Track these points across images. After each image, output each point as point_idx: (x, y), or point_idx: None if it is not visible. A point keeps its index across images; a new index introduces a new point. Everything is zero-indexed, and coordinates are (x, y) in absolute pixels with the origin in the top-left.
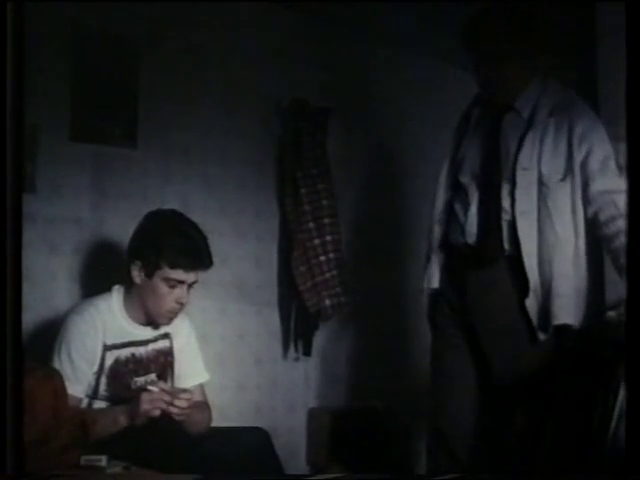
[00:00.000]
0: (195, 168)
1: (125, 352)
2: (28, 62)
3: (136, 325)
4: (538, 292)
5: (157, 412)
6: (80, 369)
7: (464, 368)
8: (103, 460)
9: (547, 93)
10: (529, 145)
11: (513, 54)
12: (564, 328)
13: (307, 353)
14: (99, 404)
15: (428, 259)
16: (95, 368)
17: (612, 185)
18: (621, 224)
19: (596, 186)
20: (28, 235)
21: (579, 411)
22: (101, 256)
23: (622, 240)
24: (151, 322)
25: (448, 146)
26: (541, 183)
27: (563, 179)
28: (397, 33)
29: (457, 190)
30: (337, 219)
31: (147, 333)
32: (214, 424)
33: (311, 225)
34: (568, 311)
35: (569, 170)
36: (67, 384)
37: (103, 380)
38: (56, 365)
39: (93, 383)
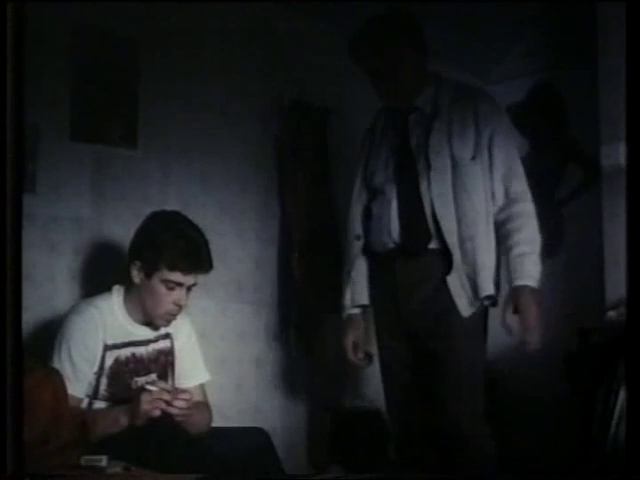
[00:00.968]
0: (195, 168)
1: (125, 352)
2: (28, 62)
3: (137, 325)
4: (460, 268)
5: (157, 412)
6: (80, 369)
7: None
8: (103, 460)
9: (444, 87)
10: (437, 131)
11: (404, 60)
12: (490, 298)
13: (307, 353)
14: (99, 404)
15: (349, 275)
16: (95, 368)
17: (512, 172)
18: (518, 209)
19: (498, 170)
20: (28, 235)
21: (580, 411)
22: (101, 256)
23: (518, 223)
24: (150, 323)
25: (357, 165)
26: (454, 164)
27: (474, 158)
28: None
29: (374, 195)
30: (336, 220)
31: (148, 333)
32: (214, 424)
33: (311, 224)
34: (491, 283)
35: (478, 149)
36: (67, 384)
37: (103, 380)
38: (56, 365)
39: (93, 383)
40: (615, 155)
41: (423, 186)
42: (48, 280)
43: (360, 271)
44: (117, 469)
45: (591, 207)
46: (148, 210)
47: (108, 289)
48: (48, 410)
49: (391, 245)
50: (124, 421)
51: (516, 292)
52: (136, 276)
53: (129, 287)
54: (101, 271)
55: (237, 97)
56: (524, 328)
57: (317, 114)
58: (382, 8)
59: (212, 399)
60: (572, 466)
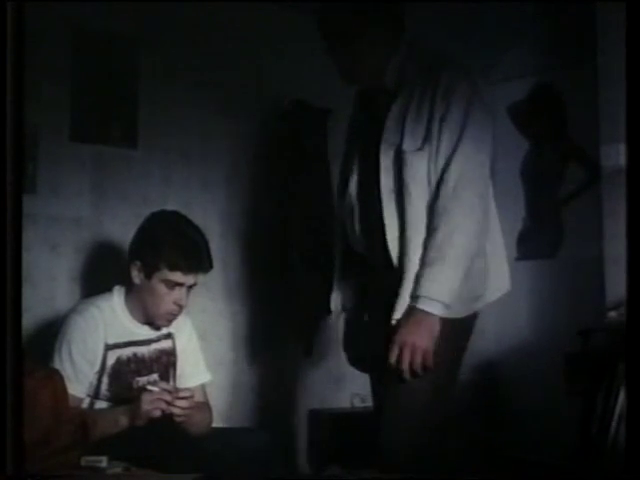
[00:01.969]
0: (195, 169)
1: (127, 352)
2: (28, 62)
3: (138, 325)
4: (400, 265)
5: (158, 412)
6: (81, 369)
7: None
8: (104, 461)
9: (412, 57)
10: (394, 117)
11: (367, 33)
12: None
13: (308, 354)
14: (100, 404)
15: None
16: (96, 368)
17: (453, 161)
18: (441, 204)
19: (444, 152)
20: (28, 235)
21: (580, 411)
22: (101, 256)
23: (434, 223)
24: (150, 323)
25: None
26: (399, 156)
27: (421, 148)
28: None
29: (343, 197)
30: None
31: (149, 333)
32: (214, 425)
33: (311, 225)
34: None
35: (428, 135)
36: (68, 384)
37: (105, 380)
38: (57, 365)
39: (94, 383)
40: (615, 155)
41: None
42: (48, 280)
43: (343, 275)
44: (117, 470)
45: (591, 207)
46: (148, 210)
47: (109, 289)
48: (48, 410)
49: (359, 252)
50: (125, 421)
51: (406, 314)
52: (136, 276)
53: (130, 287)
54: (102, 271)
55: (237, 97)
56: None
57: (316, 114)
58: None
59: (212, 400)
60: (572, 466)
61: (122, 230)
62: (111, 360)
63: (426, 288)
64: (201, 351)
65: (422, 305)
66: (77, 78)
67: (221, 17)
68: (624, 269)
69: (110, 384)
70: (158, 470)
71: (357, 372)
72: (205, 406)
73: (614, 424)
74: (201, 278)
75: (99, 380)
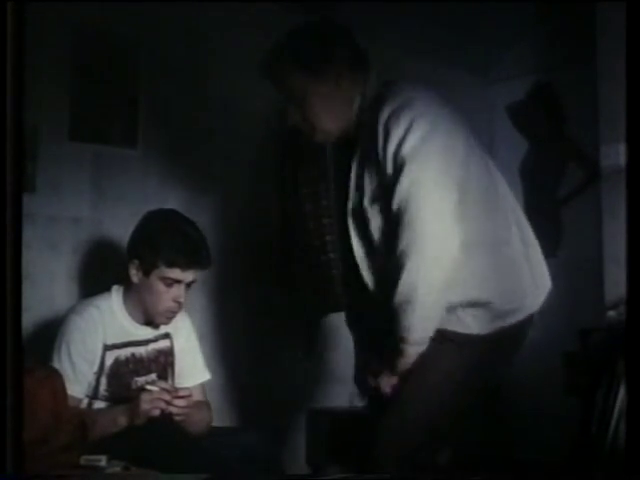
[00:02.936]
0: (195, 168)
1: (125, 352)
2: (28, 62)
3: (136, 325)
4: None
5: (157, 412)
6: (80, 369)
7: None
8: (103, 460)
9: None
10: (354, 174)
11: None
12: None
13: (307, 353)
14: (99, 404)
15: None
16: (95, 368)
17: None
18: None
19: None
20: (28, 235)
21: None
22: (101, 256)
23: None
24: (150, 321)
25: None
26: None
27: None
28: (400, 33)
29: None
30: (336, 219)
31: (147, 333)
32: (214, 423)
33: (311, 225)
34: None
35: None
36: (67, 384)
37: (103, 380)
38: (56, 365)
39: (93, 383)
40: (615, 155)
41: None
42: (48, 280)
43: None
44: (117, 469)
45: (591, 207)
46: (148, 210)
47: (108, 289)
48: (48, 410)
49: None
50: (124, 421)
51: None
52: (134, 275)
53: (128, 287)
54: (101, 271)
55: (237, 96)
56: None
57: None
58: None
59: (212, 399)
60: (572, 466)
61: (121, 230)
62: (109, 360)
63: (405, 331)
64: (200, 350)
65: (406, 345)
66: (77, 78)
67: (221, 16)
68: (624, 269)
69: (108, 384)
70: (158, 470)
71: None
72: (204, 405)
73: (613, 423)
74: (200, 275)
75: (97, 380)
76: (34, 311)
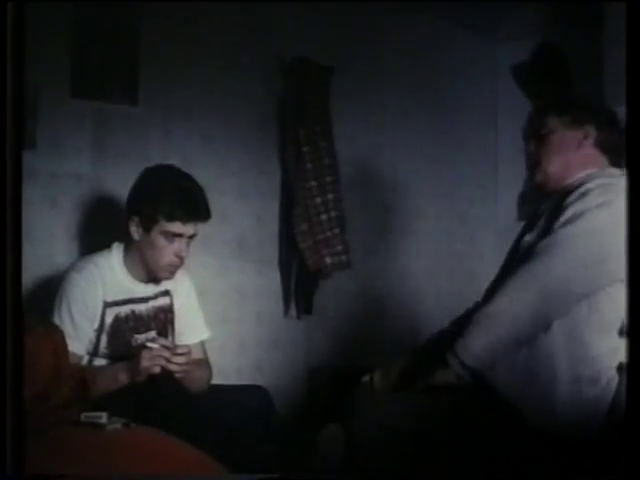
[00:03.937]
0: (196, 126)
1: (125, 309)
2: (29, 20)
3: (136, 282)
4: None
5: (157, 369)
6: (80, 326)
7: None
8: (103, 417)
9: None
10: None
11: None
12: None
13: (308, 311)
14: (99, 361)
15: None
16: (95, 325)
17: None
18: None
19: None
20: (28, 192)
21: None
22: (101, 213)
23: None
24: (152, 278)
25: None
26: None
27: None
28: None
29: None
30: (338, 177)
31: (147, 290)
32: (214, 382)
33: (313, 183)
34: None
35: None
36: (68, 341)
37: (103, 337)
38: (56, 322)
39: (94, 340)
40: (619, 117)
41: None
42: (48, 237)
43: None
44: (117, 426)
45: None
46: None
47: (108, 246)
48: (48, 366)
49: None
50: (124, 378)
51: None
52: (135, 232)
53: (128, 244)
54: (101, 228)
55: (239, 54)
56: None
57: (319, 71)
58: None
59: (212, 357)
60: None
61: (122, 187)
62: (109, 318)
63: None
64: (201, 308)
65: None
66: (78, 35)
67: None
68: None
69: (109, 342)
70: (157, 427)
71: (358, 330)
72: (204, 363)
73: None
74: (203, 232)
75: (98, 338)
76: (34, 269)
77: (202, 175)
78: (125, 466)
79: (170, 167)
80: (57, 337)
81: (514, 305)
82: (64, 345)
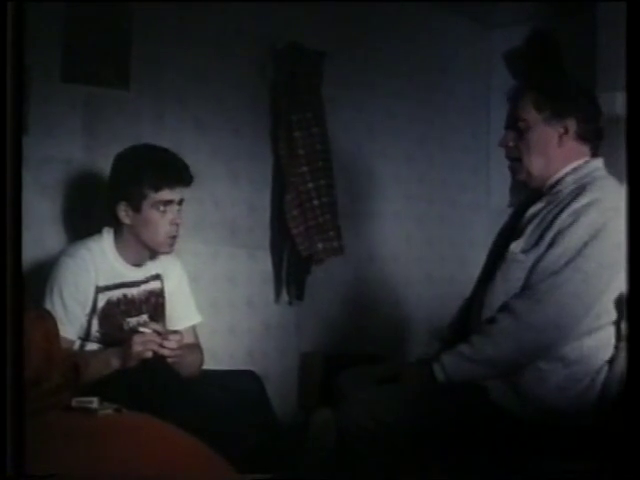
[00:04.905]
0: (188, 111)
1: (117, 293)
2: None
3: (128, 266)
4: None
5: (149, 354)
6: (72, 311)
7: None
8: (95, 402)
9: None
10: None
11: None
12: None
13: (299, 297)
14: (91, 346)
15: None
16: (87, 310)
17: None
18: None
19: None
20: None
21: None
22: (92, 197)
23: None
24: (152, 256)
25: None
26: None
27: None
28: None
29: None
30: (331, 163)
31: (138, 274)
32: (206, 367)
33: (305, 169)
34: None
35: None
36: (59, 326)
37: (95, 322)
38: (48, 307)
39: (85, 325)
40: (611, 104)
41: None
42: (39, 222)
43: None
44: (108, 411)
45: None
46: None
47: (99, 231)
48: (40, 352)
49: None
50: (116, 363)
51: None
52: (125, 216)
53: (118, 230)
54: (92, 213)
55: (231, 39)
56: None
57: (311, 57)
58: None
59: (204, 342)
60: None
61: None
62: (101, 302)
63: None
64: (193, 293)
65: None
66: (69, 18)
67: None
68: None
69: (100, 325)
70: (149, 412)
71: (349, 316)
72: (196, 347)
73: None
74: (194, 218)
75: (89, 322)
76: (26, 253)
77: (194, 160)
78: (116, 452)
79: (140, 145)
80: (48, 322)
81: (503, 349)
82: (55, 330)
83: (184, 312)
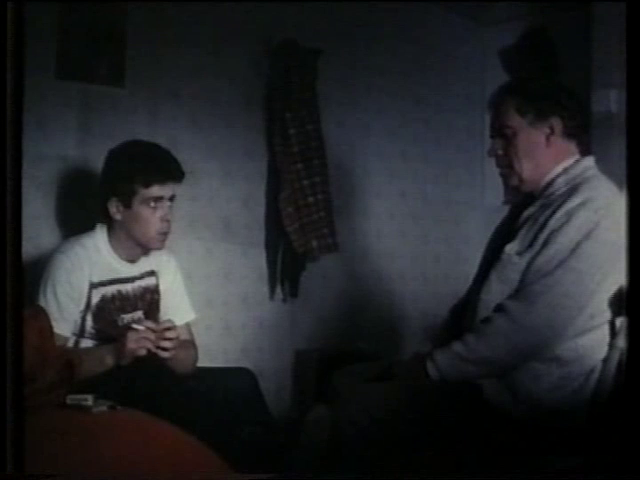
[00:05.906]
0: (183, 108)
1: (111, 289)
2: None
3: (122, 262)
4: None
5: (143, 351)
6: (66, 308)
7: None
8: (89, 399)
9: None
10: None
11: None
12: None
13: (294, 294)
14: (86, 343)
15: None
16: (82, 306)
17: None
18: None
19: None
20: None
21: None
22: (87, 194)
23: None
24: (144, 253)
25: None
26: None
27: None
28: None
29: None
30: (325, 160)
31: (133, 270)
32: (200, 364)
33: (299, 166)
34: None
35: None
36: (53, 323)
37: (89, 318)
38: (42, 304)
39: (79, 321)
40: (606, 101)
41: None
42: (33, 218)
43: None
44: (103, 408)
45: None
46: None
47: (93, 227)
48: (34, 349)
49: None
50: (110, 360)
51: None
52: (116, 212)
53: (111, 226)
54: (86, 209)
55: (226, 37)
56: None
57: (306, 55)
58: None
59: (198, 339)
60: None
61: None
62: (96, 298)
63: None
64: (187, 290)
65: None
66: (63, 15)
67: None
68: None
69: (95, 322)
70: (143, 409)
71: (344, 313)
72: (190, 345)
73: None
74: (189, 215)
75: (84, 318)
76: None
77: (188, 157)
78: (111, 449)
79: (131, 142)
80: (42, 319)
81: (496, 349)
82: (49, 327)
83: (178, 309)
